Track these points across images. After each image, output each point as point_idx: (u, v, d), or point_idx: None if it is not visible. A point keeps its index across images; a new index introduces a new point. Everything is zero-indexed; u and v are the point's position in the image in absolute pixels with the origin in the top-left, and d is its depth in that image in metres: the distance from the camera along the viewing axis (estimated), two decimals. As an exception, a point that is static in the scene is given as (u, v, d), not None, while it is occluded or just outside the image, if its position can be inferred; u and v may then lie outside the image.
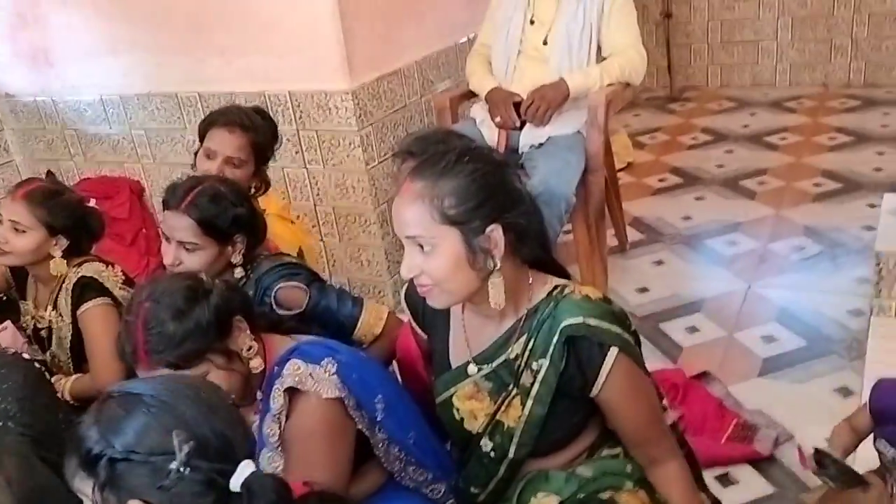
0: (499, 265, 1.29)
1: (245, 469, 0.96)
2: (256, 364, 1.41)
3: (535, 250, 1.36)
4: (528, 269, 1.37)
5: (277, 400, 1.36)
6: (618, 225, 3.19)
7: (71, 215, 2.10)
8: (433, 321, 1.51)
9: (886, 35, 4.80)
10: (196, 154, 2.25)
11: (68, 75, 3.19)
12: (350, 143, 2.66)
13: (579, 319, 1.29)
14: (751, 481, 1.99)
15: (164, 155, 3.11)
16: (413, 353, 1.67)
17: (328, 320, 1.78)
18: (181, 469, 0.92)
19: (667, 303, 2.82)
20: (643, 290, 2.92)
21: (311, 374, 1.37)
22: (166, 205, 1.79)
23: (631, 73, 2.70)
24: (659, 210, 3.63)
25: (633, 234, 3.38)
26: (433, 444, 1.55)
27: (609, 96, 2.64)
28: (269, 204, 2.23)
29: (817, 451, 1.45)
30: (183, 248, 1.77)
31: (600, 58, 2.72)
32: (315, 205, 2.84)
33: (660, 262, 3.16)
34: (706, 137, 4.51)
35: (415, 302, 1.52)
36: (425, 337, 1.55)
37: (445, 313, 1.48)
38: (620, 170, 3.98)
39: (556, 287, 1.37)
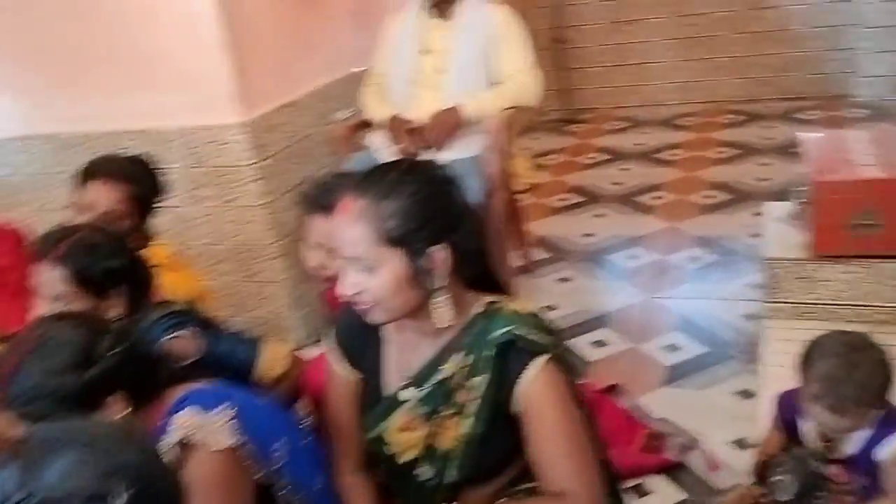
0: (442, 284, 1.27)
1: None
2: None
3: (477, 269, 1.34)
4: (464, 286, 1.35)
5: (168, 455, 1.26)
6: (521, 246, 3.23)
7: None
8: (363, 355, 1.46)
9: (764, 52, 5.09)
10: (66, 208, 2.12)
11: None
12: (247, 178, 2.60)
13: (507, 329, 1.29)
14: (664, 489, 2.02)
15: (46, 201, 2.94)
16: (322, 388, 1.62)
17: (225, 366, 1.70)
18: None
19: (574, 318, 2.87)
20: (551, 307, 2.95)
21: (201, 425, 1.28)
22: (38, 255, 1.66)
23: (525, 96, 2.76)
24: (562, 229, 3.71)
25: (538, 254, 3.43)
26: None
27: (504, 120, 2.68)
28: (155, 255, 2.11)
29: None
30: (55, 304, 1.65)
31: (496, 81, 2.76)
32: (212, 244, 2.75)
33: (565, 280, 3.21)
34: (603, 156, 4.65)
35: (347, 335, 1.48)
36: (358, 376, 1.48)
37: (376, 342, 1.44)
38: (523, 192, 4.05)
39: (491, 303, 1.36)
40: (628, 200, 3.94)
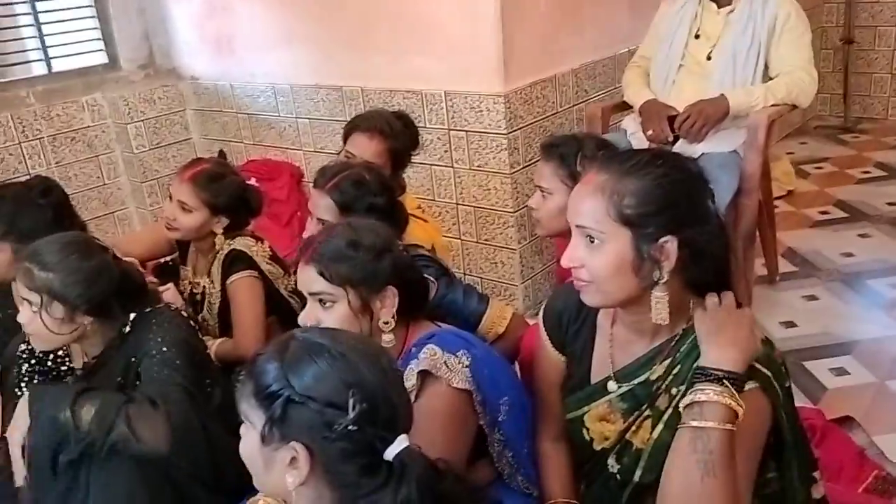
0: (665, 279, 1.24)
1: (401, 442, 1.00)
2: (387, 339, 1.44)
3: (706, 274, 1.28)
4: (691, 289, 1.31)
5: (409, 379, 1.39)
6: (769, 254, 3.03)
7: (232, 196, 2.26)
8: (576, 337, 1.48)
9: None
10: (339, 155, 2.35)
11: (246, 63, 3.44)
12: (497, 146, 2.70)
13: None
14: (887, 539, 1.84)
15: (325, 144, 3.29)
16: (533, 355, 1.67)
17: (454, 314, 1.82)
18: (350, 427, 0.97)
19: (814, 340, 2.65)
20: (790, 324, 2.75)
21: (445, 363, 1.39)
22: (315, 184, 1.91)
23: (798, 95, 2.57)
24: (817, 243, 3.42)
25: (785, 266, 3.20)
26: None
27: (772, 116, 2.52)
28: (405, 205, 2.30)
29: None
30: (321, 224, 1.88)
31: (766, 77, 2.60)
32: (457, 203, 2.90)
33: (812, 298, 2.97)
34: (879, 172, 4.19)
35: (556, 318, 1.50)
36: (561, 358, 1.52)
37: (591, 329, 1.45)
38: (779, 197, 3.79)
39: None
40: (902, 224, 3.53)
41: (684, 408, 1.20)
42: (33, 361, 1.84)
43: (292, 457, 1.01)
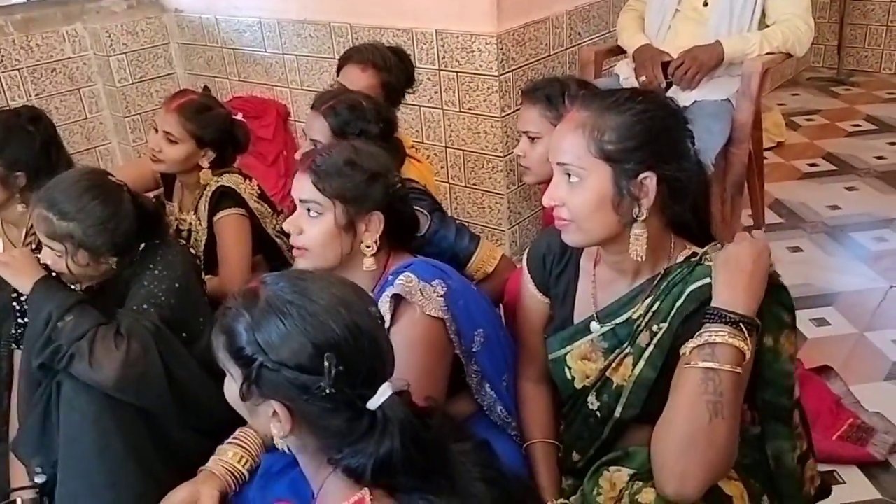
0: (644, 215, 1.26)
1: (384, 392, 0.99)
2: (368, 263, 1.45)
3: (685, 213, 1.31)
4: (671, 229, 1.33)
5: (383, 304, 1.40)
6: (756, 204, 3.04)
7: (219, 129, 2.22)
8: (559, 279, 1.49)
9: None
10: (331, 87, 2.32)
11: (233, -4, 3.34)
12: (488, 88, 2.66)
13: (709, 281, 1.25)
14: (858, 483, 1.89)
15: (312, 82, 3.22)
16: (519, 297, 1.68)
17: (444, 249, 1.82)
18: (327, 390, 0.96)
19: (797, 291, 2.64)
20: (773, 274, 2.77)
21: (420, 290, 1.39)
22: (312, 105, 1.92)
23: (794, 44, 2.53)
24: (804, 195, 3.43)
25: (771, 217, 3.22)
26: None
27: (767, 65, 2.49)
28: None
29: None
30: (313, 146, 1.87)
31: (763, 25, 2.57)
32: (446, 146, 2.87)
33: (796, 249, 2.99)
34: (869, 126, 4.18)
35: (540, 260, 1.52)
36: (545, 300, 1.54)
37: (574, 270, 1.47)
38: (769, 149, 3.79)
39: (694, 254, 1.32)
40: (889, 178, 3.53)
41: (695, 348, 1.19)
42: None
43: (274, 411, 1.01)
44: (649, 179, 1.24)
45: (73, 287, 1.74)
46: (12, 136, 2.04)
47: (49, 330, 1.58)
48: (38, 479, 1.68)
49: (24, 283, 1.67)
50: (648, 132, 1.24)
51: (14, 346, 1.85)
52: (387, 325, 1.40)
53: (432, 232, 1.81)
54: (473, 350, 1.47)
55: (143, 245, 1.76)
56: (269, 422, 1.02)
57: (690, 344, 1.21)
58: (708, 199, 1.38)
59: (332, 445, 1.02)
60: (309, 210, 1.43)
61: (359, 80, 2.23)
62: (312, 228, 1.43)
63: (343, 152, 1.46)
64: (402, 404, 1.02)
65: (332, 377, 0.96)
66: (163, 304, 1.69)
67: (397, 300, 1.40)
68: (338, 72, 2.31)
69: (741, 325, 1.18)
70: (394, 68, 2.28)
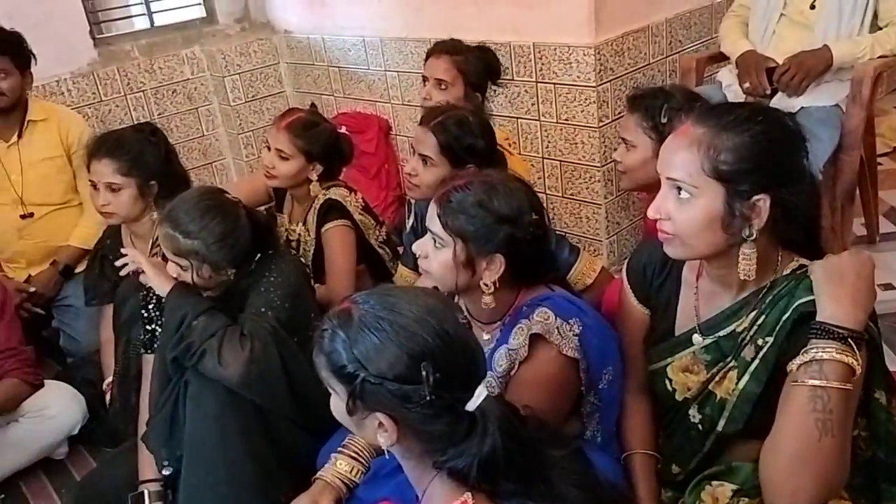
0: (754, 236, 1.24)
1: (481, 393, 1.05)
2: (487, 300, 1.45)
3: (795, 233, 1.29)
4: (779, 243, 1.31)
5: (519, 338, 1.43)
6: (869, 213, 2.91)
7: (326, 143, 2.34)
8: (661, 290, 1.49)
9: None
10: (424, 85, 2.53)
11: (337, 16, 3.48)
12: (586, 99, 2.66)
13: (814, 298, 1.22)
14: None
15: (412, 97, 3.31)
16: (616, 309, 1.69)
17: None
18: (428, 397, 1.02)
19: (910, 302, 2.55)
20: (888, 286, 2.65)
21: (558, 328, 1.41)
22: (420, 121, 2.00)
23: (908, 46, 2.42)
24: (922, 203, 3.25)
25: (886, 226, 3.07)
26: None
27: (879, 69, 2.39)
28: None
29: None
30: (422, 161, 1.95)
31: (874, 27, 2.46)
32: (543, 157, 2.89)
33: (912, 259, 2.85)
34: None
35: (641, 271, 1.52)
36: (645, 312, 1.54)
37: (676, 282, 1.46)
38: (884, 154, 3.61)
39: (801, 266, 1.30)
40: None
41: (801, 365, 1.17)
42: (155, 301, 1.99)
43: (380, 422, 1.07)
44: (763, 202, 1.21)
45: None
46: (143, 148, 2.24)
47: (184, 328, 1.72)
48: (165, 472, 1.82)
49: (163, 286, 1.82)
50: (766, 154, 1.21)
51: (143, 350, 2.01)
52: (522, 358, 1.43)
53: None
54: (599, 387, 1.48)
55: (258, 256, 1.88)
56: (375, 433, 1.08)
57: (797, 360, 1.18)
58: (819, 215, 1.34)
59: (437, 448, 1.07)
60: (434, 240, 1.46)
61: (436, 67, 2.46)
62: (433, 257, 1.45)
63: (476, 190, 1.43)
64: (498, 403, 1.06)
65: (431, 384, 1.01)
66: (279, 309, 1.81)
67: (535, 338, 1.42)
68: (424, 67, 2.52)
69: (850, 339, 1.15)
70: (465, 51, 2.48)
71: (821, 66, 2.38)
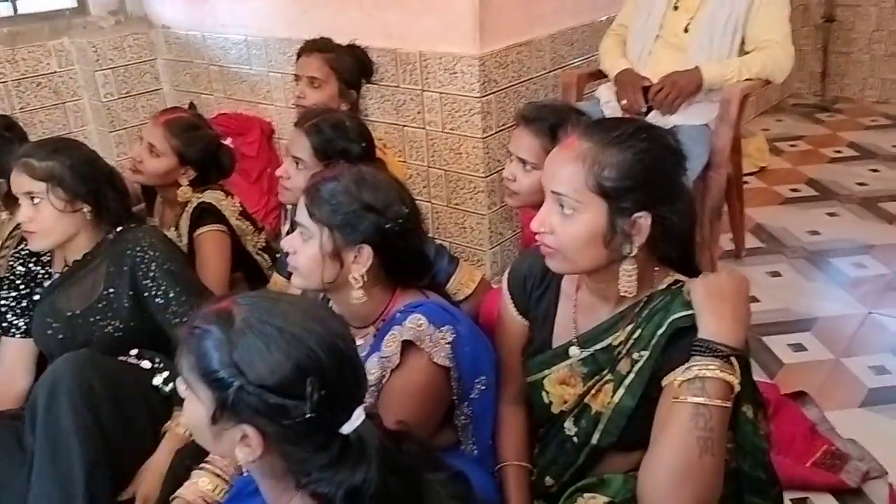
0: (634, 252, 1.25)
1: (359, 416, 0.98)
2: (356, 295, 1.42)
3: (673, 250, 1.30)
4: (655, 259, 1.32)
5: (391, 345, 1.39)
6: (736, 229, 3.05)
7: (203, 150, 2.24)
8: (540, 301, 1.48)
9: None
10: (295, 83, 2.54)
11: (219, 12, 3.35)
12: (470, 109, 2.67)
13: (690, 311, 1.24)
14: (831, 511, 1.88)
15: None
16: (494, 319, 1.68)
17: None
18: (307, 414, 0.94)
19: (775, 316, 2.68)
20: (752, 299, 2.74)
21: (430, 336, 1.38)
22: (296, 123, 1.96)
23: (773, 71, 2.56)
24: (785, 220, 3.44)
25: (751, 241, 3.23)
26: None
27: (745, 91, 2.52)
28: None
29: None
30: (295, 163, 1.89)
31: (742, 51, 2.60)
32: (428, 166, 2.88)
33: (775, 274, 3.00)
34: (851, 153, 4.22)
35: (520, 283, 1.51)
36: (524, 323, 1.53)
37: (555, 294, 1.46)
38: (751, 173, 3.82)
39: (676, 282, 1.32)
40: (870, 205, 3.55)
41: (684, 382, 1.17)
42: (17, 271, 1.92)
43: (244, 435, 0.98)
44: (644, 219, 1.23)
45: (45, 271, 1.92)
46: None
47: None
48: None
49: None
50: (649, 172, 1.22)
51: None
52: (393, 366, 1.39)
53: None
54: (471, 396, 1.46)
55: (119, 228, 1.89)
56: (234, 446, 0.99)
57: (679, 377, 1.18)
58: (694, 232, 1.36)
59: (302, 470, 1.00)
60: (302, 233, 1.43)
61: (309, 65, 2.48)
62: (302, 251, 1.42)
63: (344, 179, 1.42)
64: (375, 428, 1.00)
65: (314, 401, 0.94)
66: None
67: (406, 345, 1.39)
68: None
69: (731, 358, 1.17)
70: (336, 48, 2.50)
71: (692, 86, 2.48)
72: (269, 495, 1.08)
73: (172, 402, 1.76)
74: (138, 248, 1.82)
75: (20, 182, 1.77)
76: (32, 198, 1.76)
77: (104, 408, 1.63)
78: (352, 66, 2.55)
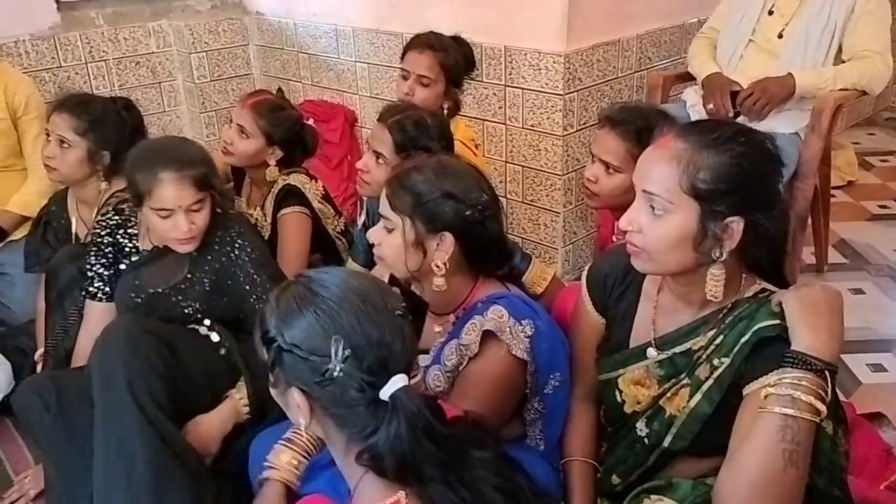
0: (724, 257, 1.23)
1: (396, 383, 1.02)
2: (438, 283, 1.45)
3: (763, 258, 1.28)
4: (743, 266, 1.30)
5: (471, 334, 1.42)
6: (819, 242, 2.97)
7: (289, 130, 2.30)
8: (619, 300, 1.48)
9: None
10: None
11: (311, 2, 3.43)
12: (552, 106, 2.67)
13: (776, 321, 1.22)
14: (904, 537, 1.82)
15: (381, 90, 3.29)
16: (566, 317, 1.68)
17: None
18: (335, 372, 1.00)
19: (855, 334, 2.60)
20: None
21: (510, 328, 1.40)
22: (379, 117, 1.96)
23: (870, 82, 2.48)
24: (871, 237, 3.32)
25: (835, 257, 3.13)
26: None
27: (839, 101, 2.44)
28: (456, 130, 2.34)
29: None
30: (375, 157, 1.92)
31: (839, 60, 2.52)
32: (506, 161, 2.89)
33: (858, 291, 2.90)
34: (947, 171, 4.04)
35: (601, 280, 1.50)
36: (601, 320, 1.53)
37: (636, 293, 1.45)
38: (839, 187, 3.70)
39: (763, 290, 1.30)
40: (961, 225, 3.41)
41: (773, 393, 1.15)
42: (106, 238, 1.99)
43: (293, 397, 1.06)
44: (736, 224, 1.21)
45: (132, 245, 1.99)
46: (109, 116, 2.19)
47: None
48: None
49: None
50: (745, 177, 1.20)
51: (82, 296, 2.04)
52: (472, 354, 1.43)
53: None
54: (545, 391, 1.48)
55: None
56: (297, 412, 1.07)
57: (769, 388, 1.17)
58: (786, 241, 1.33)
59: (354, 438, 1.05)
60: (385, 225, 1.46)
61: (418, 62, 2.33)
62: (387, 242, 1.46)
63: (425, 171, 1.45)
64: (418, 398, 1.03)
65: (340, 358, 1.00)
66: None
67: (486, 334, 1.41)
68: (401, 60, 2.42)
69: (825, 372, 1.15)
70: (448, 47, 2.38)
71: (784, 93, 2.42)
72: (342, 468, 1.12)
73: (238, 372, 1.82)
74: (228, 238, 1.89)
75: (59, 127, 2.13)
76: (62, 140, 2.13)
77: (156, 358, 1.68)
78: (460, 64, 2.44)
